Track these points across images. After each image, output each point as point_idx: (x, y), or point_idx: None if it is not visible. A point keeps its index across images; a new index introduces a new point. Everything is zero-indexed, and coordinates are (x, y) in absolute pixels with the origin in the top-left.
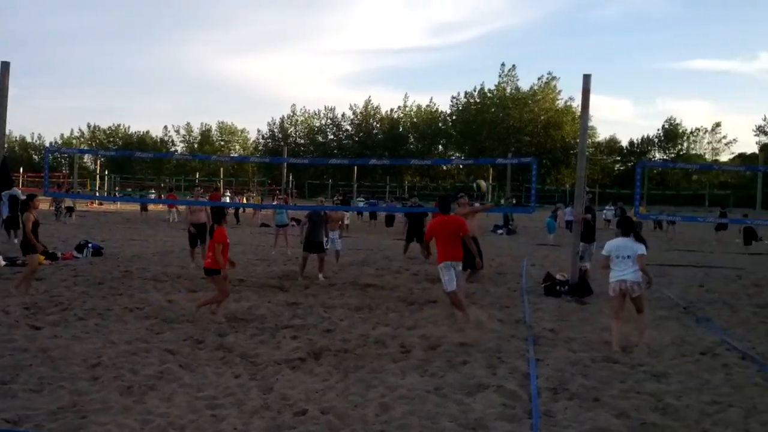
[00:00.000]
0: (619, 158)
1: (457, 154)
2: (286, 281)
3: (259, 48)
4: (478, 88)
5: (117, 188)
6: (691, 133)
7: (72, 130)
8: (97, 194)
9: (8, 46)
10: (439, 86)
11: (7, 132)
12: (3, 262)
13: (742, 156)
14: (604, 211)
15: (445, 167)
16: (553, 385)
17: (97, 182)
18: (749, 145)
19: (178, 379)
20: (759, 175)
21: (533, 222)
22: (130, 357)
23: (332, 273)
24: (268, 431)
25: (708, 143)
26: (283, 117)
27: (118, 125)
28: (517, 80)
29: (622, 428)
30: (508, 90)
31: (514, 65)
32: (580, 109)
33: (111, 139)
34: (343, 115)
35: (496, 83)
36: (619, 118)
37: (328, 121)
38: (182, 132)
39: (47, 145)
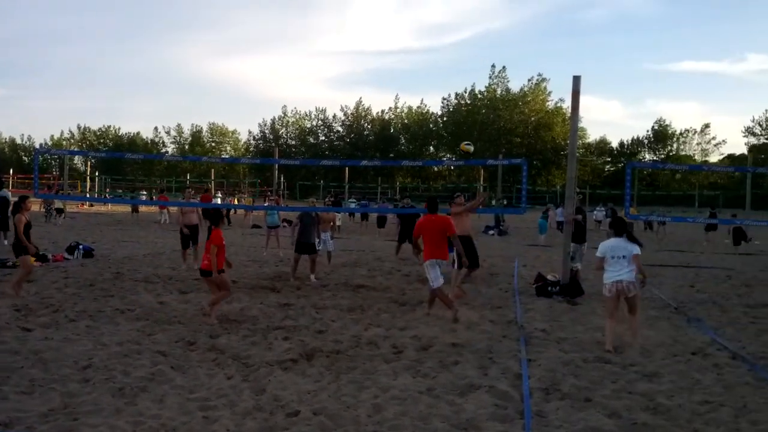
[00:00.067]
0: (609, 159)
1: (448, 156)
2: (278, 282)
3: (250, 49)
4: (469, 89)
5: (108, 190)
6: (681, 134)
7: (62, 132)
8: (88, 196)
9: None
10: (430, 88)
11: None
12: None
13: (731, 157)
14: (595, 212)
15: (436, 168)
16: (545, 386)
17: (88, 184)
18: (738, 146)
19: (170, 380)
20: (748, 176)
21: (524, 223)
22: (122, 359)
23: (324, 274)
24: None
25: (697, 144)
26: (274, 118)
27: (109, 126)
28: (508, 82)
29: (614, 428)
30: (499, 91)
31: (504, 67)
32: (570, 110)
33: (101, 141)
34: (334, 116)
35: (487, 85)
36: (609, 119)
37: (319, 122)
38: (173, 133)
39: (37, 146)
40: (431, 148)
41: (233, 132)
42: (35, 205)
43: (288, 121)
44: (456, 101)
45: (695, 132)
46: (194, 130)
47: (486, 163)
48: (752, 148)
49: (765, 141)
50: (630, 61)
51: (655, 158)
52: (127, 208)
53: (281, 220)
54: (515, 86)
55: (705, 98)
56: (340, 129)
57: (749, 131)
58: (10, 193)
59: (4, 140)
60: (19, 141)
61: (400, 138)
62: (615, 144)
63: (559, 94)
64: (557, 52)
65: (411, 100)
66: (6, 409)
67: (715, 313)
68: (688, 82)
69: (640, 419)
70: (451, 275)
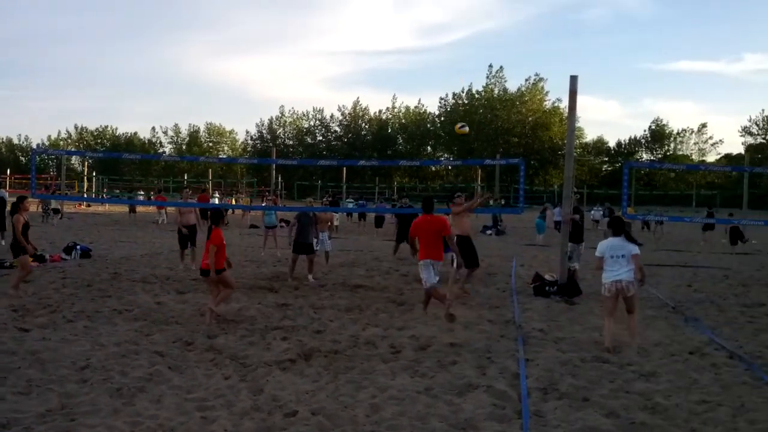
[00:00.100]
0: (606, 159)
1: (446, 155)
2: (276, 282)
3: (248, 49)
4: (466, 89)
5: (105, 190)
6: (678, 133)
7: (59, 132)
8: (85, 196)
9: None
10: (427, 87)
11: None
12: None
13: (728, 156)
14: (592, 212)
15: (434, 168)
16: (543, 385)
17: (85, 184)
18: (735, 145)
19: (168, 380)
20: (745, 176)
21: (522, 222)
22: (120, 359)
23: (322, 274)
24: None
25: (695, 144)
26: (272, 118)
27: (106, 126)
28: (505, 81)
29: (612, 428)
30: (496, 91)
31: (501, 66)
32: (567, 110)
33: (98, 141)
34: (332, 116)
35: (484, 84)
36: (607, 118)
37: (317, 122)
38: (170, 133)
39: (34, 146)
40: (429, 147)
41: (230, 132)
42: (33, 206)
43: (285, 121)
44: (453, 101)
45: (692, 132)
46: (192, 130)
47: (483, 162)
48: (749, 148)
49: (762, 141)
50: (627, 61)
51: (652, 158)
52: (125, 209)
53: (279, 220)
54: (512, 86)
55: (702, 98)
56: (337, 129)
57: (746, 131)
58: (7, 194)
59: (1, 140)
60: (16, 141)
61: (397, 138)
62: (612, 144)
63: (556, 94)
64: (554, 52)
65: (408, 100)
66: (3, 410)
67: (712, 313)
68: (686, 81)
69: (637, 419)
70: (449, 275)
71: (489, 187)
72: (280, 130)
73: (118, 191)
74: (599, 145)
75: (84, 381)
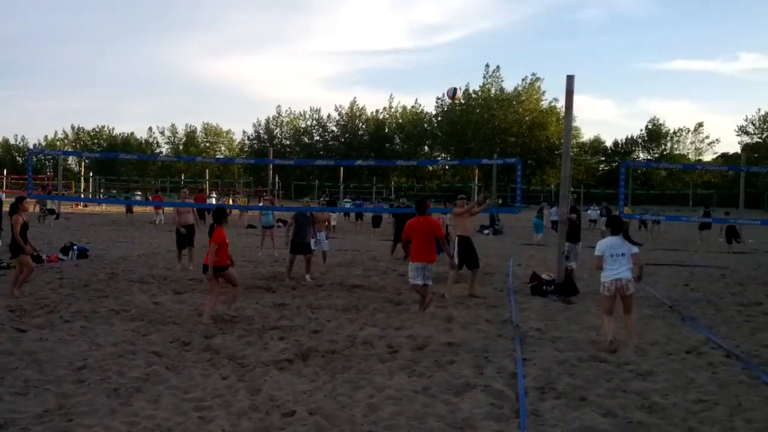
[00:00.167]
0: (603, 158)
1: (443, 155)
2: (273, 282)
3: (244, 49)
4: (463, 89)
5: (102, 190)
6: (675, 133)
7: (56, 132)
8: (82, 196)
9: None
10: (424, 87)
11: None
12: None
13: (724, 156)
14: (589, 211)
15: (431, 168)
16: (541, 385)
17: (82, 184)
18: (732, 145)
19: (165, 381)
20: (741, 175)
21: (519, 222)
22: (117, 359)
23: (319, 274)
24: None
25: (691, 143)
26: (269, 118)
27: (103, 127)
28: (502, 81)
29: (609, 427)
30: (493, 91)
31: (498, 66)
32: (564, 109)
33: (95, 141)
34: (329, 116)
35: (481, 84)
36: (603, 118)
37: (314, 122)
38: (167, 133)
39: (31, 147)
40: (426, 147)
41: (227, 132)
42: (31, 206)
43: (282, 121)
44: (450, 101)
45: (689, 131)
46: (188, 130)
47: (481, 162)
48: (745, 147)
49: (758, 140)
50: (622, 61)
51: (649, 157)
52: (122, 209)
53: (276, 220)
54: (509, 86)
55: (698, 97)
56: (334, 129)
57: (742, 130)
58: (3, 194)
59: None
60: (12, 141)
61: (394, 138)
62: (609, 143)
63: (553, 94)
64: (550, 52)
65: (405, 100)
66: (1, 411)
67: (709, 312)
68: (682, 81)
69: (635, 418)
70: (448, 276)
71: (486, 186)
72: (277, 130)
73: (115, 191)
74: (596, 145)
75: (81, 381)
